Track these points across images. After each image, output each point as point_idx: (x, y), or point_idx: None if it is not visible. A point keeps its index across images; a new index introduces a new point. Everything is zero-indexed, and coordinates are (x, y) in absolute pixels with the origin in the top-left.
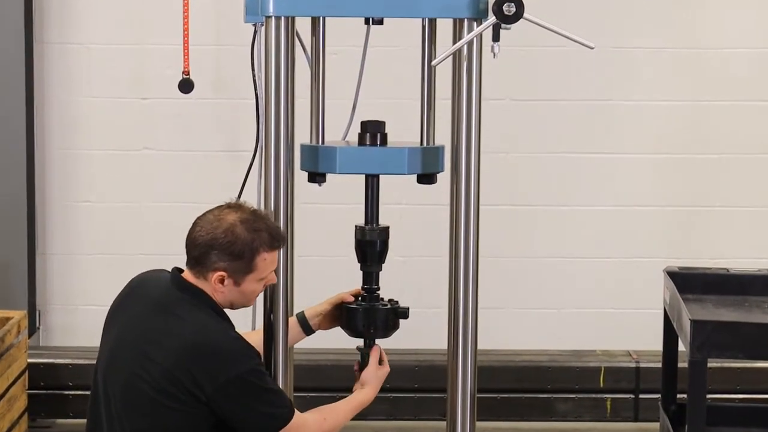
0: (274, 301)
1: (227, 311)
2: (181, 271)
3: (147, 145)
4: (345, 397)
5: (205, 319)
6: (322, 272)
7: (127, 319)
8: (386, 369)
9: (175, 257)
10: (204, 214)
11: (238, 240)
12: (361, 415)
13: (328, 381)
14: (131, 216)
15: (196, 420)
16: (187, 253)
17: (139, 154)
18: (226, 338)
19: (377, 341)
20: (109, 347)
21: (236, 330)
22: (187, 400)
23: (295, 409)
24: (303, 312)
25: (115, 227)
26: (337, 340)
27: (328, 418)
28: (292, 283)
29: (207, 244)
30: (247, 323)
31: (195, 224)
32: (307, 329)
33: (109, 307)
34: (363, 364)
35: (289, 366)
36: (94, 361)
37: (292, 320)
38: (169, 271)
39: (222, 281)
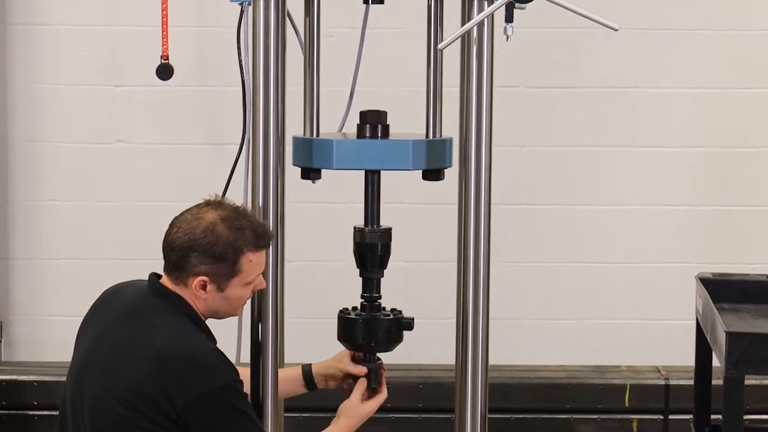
0: (262, 311)
1: (211, 323)
2: (160, 276)
3: (121, 138)
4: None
5: (180, 327)
6: (317, 279)
7: (99, 329)
8: (371, 407)
9: (154, 262)
10: (181, 214)
11: (219, 240)
12: None
13: (322, 400)
14: (104, 216)
15: None
16: (165, 257)
17: (112, 147)
18: (202, 349)
19: (366, 366)
20: (79, 361)
21: (216, 345)
22: (158, 419)
23: None
24: (310, 366)
25: (85, 229)
26: (334, 351)
27: None
28: (283, 291)
29: (185, 246)
30: (232, 338)
31: (172, 225)
32: (311, 386)
33: (81, 319)
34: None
35: (279, 398)
36: (63, 378)
37: (296, 371)
38: (146, 280)
39: (204, 287)
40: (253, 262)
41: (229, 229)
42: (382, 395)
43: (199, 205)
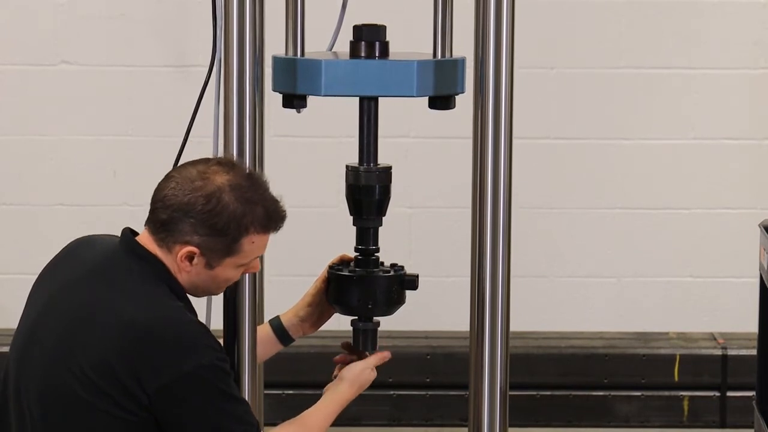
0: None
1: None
2: (136, 234)
3: (65, 59)
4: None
5: (157, 294)
6: (302, 228)
7: (56, 290)
8: (374, 375)
9: (106, 209)
10: (184, 167)
11: (224, 211)
12: (356, 420)
13: (310, 374)
14: (45, 152)
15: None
16: (152, 212)
17: (54, 69)
18: (182, 320)
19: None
20: (27, 327)
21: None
22: (123, 402)
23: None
24: (278, 318)
25: (24, 168)
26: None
27: None
28: None
29: (181, 208)
30: (201, 302)
31: (169, 178)
32: (285, 339)
33: (20, 278)
34: (357, 347)
35: (258, 370)
36: (5, 349)
37: (264, 329)
38: (118, 236)
39: (190, 259)
40: (255, 245)
41: (237, 200)
42: (383, 353)
43: (207, 161)
